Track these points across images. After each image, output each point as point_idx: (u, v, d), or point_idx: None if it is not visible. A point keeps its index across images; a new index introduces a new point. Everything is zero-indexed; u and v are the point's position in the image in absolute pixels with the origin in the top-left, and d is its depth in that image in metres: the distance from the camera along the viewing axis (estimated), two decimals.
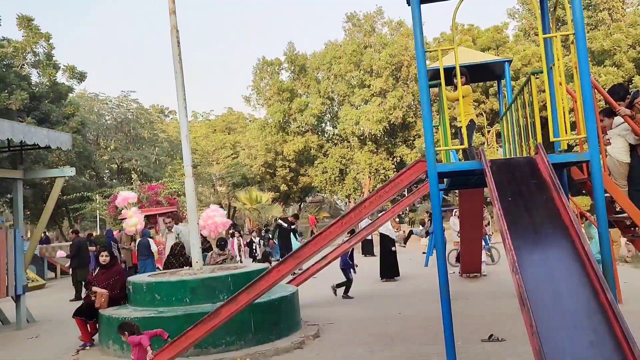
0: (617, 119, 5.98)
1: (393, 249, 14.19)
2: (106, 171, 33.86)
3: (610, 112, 6.10)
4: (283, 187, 39.36)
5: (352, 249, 11.70)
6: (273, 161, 38.47)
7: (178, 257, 9.98)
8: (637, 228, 5.68)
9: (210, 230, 12.57)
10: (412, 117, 34.39)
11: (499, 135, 13.03)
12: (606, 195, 5.41)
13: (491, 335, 7.40)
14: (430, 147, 5.32)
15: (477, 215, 11.88)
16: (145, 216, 15.08)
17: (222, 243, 10.34)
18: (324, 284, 13.19)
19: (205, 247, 12.26)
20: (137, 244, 13.74)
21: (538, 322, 3.34)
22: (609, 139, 6.07)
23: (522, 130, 7.55)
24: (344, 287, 11.52)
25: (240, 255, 15.36)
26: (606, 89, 6.40)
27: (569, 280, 3.69)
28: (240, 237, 16.09)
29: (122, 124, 34.79)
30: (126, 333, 5.50)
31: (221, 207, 15.84)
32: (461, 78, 6.26)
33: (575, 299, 3.52)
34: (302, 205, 48.25)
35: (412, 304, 10.34)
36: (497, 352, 6.71)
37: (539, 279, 3.75)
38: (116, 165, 33.63)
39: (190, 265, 8.72)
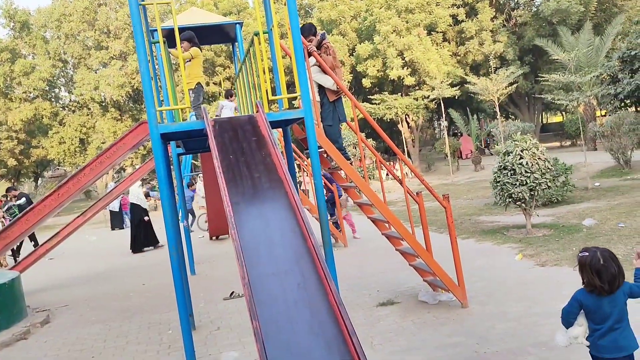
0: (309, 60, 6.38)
1: (146, 218, 13.53)
2: None
3: None
4: (11, 162, 34.32)
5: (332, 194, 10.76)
6: None
7: None
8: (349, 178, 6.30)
9: None
10: (158, 82, 33.07)
11: None
12: (321, 150, 5.87)
13: (232, 292, 7.61)
14: (150, 108, 5.05)
15: None
16: None
17: None
18: (62, 263, 12.02)
19: None
20: None
21: (253, 272, 3.45)
22: None
23: (251, 89, 7.73)
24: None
25: None
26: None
27: (282, 229, 3.88)
28: (4, 219, 13.62)
29: None
30: None
31: None
32: (189, 42, 6.08)
33: (287, 246, 3.73)
34: (39, 181, 43.00)
35: (158, 273, 10.02)
36: (237, 308, 6.93)
37: (255, 232, 3.86)
38: None
39: None
